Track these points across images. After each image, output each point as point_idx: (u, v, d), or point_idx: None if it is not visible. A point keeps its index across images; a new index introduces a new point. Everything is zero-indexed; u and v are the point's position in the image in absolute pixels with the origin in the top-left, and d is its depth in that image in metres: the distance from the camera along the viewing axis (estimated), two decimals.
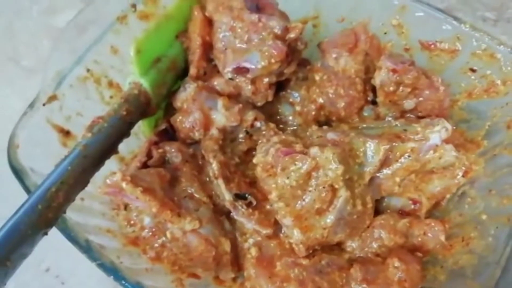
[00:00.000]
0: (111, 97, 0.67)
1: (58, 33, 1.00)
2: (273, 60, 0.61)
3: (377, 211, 0.62)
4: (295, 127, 0.70)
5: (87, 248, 0.50)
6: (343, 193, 0.55)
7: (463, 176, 0.61)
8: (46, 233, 0.45)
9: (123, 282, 0.48)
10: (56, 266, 0.72)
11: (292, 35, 0.61)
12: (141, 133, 0.70)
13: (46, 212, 0.44)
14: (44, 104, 0.58)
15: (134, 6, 0.65)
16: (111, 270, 0.49)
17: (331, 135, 0.59)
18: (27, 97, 0.88)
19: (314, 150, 0.54)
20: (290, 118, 0.71)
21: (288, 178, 0.54)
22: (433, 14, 0.67)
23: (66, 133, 0.61)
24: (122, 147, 0.60)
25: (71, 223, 0.52)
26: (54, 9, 1.06)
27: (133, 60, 0.59)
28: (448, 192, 0.62)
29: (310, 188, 0.55)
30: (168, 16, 0.64)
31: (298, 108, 0.71)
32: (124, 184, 0.50)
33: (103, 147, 0.52)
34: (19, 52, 0.99)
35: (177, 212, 0.54)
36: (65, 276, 0.71)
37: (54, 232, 0.49)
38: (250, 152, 0.67)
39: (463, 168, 0.61)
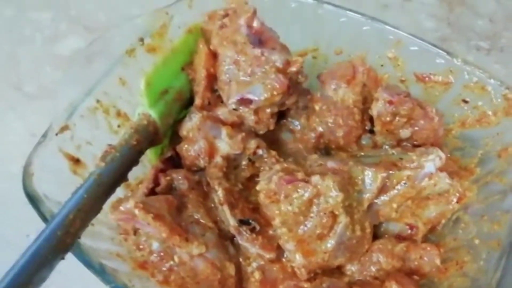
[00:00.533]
0: (118, 126, 0.71)
1: (61, 60, 1.05)
2: (275, 93, 0.65)
3: (376, 236, 0.65)
4: (295, 155, 0.74)
5: (101, 271, 0.53)
6: (343, 219, 0.59)
7: (457, 202, 0.65)
8: (63, 258, 0.49)
9: None
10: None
11: (293, 68, 0.66)
12: (146, 160, 0.73)
13: (64, 238, 0.48)
14: (57, 134, 0.62)
15: (142, 40, 0.69)
16: None
17: (331, 164, 0.63)
18: (30, 123, 0.94)
19: (315, 178, 0.58)
20: (291, 145, 0.76)
21: (291, 205, 0.58)
22: (427, 48, 0.72)
23: (76, 161, 0.65)
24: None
25: (85, 247, 0.55)
26: (56, 37, 1.10)
27: (142, 93, 0.63)
28: (443, 217, 0.66)
29: (312, 214, 0.59)
30: (175, 49, 0.68)
31: (298, 135, 0.75)
32: (136, 211, 0.54)
33: (115, 175, 0.56)
34: (22, 79, 1.02)
35: (185, 237, 0.57)
36: None
37: None
38: (252, 178, 0.70)
39: (457, 194, 0.65)
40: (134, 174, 0.70)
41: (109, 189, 0.55)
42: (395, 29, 0.74)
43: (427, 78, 0.74)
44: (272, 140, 0.75)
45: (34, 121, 0.94)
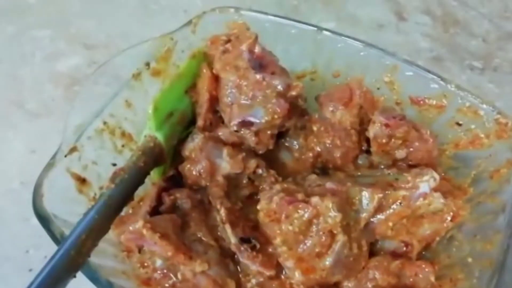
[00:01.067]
0: (122, 145, 0.74)
1: (61, 77, 1.07)
2: (276, 116, 0.69)
3: (372, 253, 0.68)
4: (294, 174, 0.77)
5: None
6: (340, 238, 0.62)
7: (451, 220, 0.68)
8: (75, 276, 0.52)
9: None
10: None
11: (293, 93, 0.70)
12: (147, 178, 0.77)
13: (77, 258, 0.51)
14: (66, 156, 0.66)
15: (148, 64, 0.73)
16: None
17: (329, 185, 0.66)
18: (30, 140, 0.96)
19: (315, 200, 0.62)
20: (289, 164, 0.79)
21: (291, 225, 0.62)
22: (422, 74, 0.76)
23: (83, 181, 0.68)
24: None
25: (94, 265, 0.58)
26: (56, 55, 1.13)
27: (150, 117, 0.67)
28: (437, 235, 0.69)
29: (311, 234, 0.62)
30: (180, 74, 0.72)
31: (296, 155, 0.79)
32: (145, 231, 0.58)
33: (124, 196, 0.60)
34: (22, 97, 1.04)
35: (189, 256, 0.61)
36: None
37: None
38: (251, 196, 0.74)
39: (451, 213, 0.68)
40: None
41: (118, 209, 0.59)
42: (391, 55, 0.78)
43: (421, 102, 0.77)
44: (271, 159, 0.78)
45: (34, 138, 0.97)
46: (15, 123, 1.00)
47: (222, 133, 0.74)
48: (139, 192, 0.74)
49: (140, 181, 0.63)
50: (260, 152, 0.75)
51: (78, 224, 0.53)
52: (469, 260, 0.63)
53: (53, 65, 1.11)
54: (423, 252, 0.70)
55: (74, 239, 0.51)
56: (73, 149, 0.66)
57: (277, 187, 0.67)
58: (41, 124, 1.00)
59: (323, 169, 0.78)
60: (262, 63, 0.73)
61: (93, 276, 0.57)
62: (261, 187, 0.73)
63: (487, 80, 1.08)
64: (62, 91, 1.05)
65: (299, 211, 0.62)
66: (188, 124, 0.76)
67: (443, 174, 0.74)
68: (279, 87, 0.69)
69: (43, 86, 1.07)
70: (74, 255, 0.51)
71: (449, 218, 0.68)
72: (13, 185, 0.63)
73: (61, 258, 0.50)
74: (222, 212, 0.66)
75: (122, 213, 0.66)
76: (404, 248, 0.69)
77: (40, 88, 1.06)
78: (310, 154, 0.77)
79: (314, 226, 0.62)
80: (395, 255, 0.69)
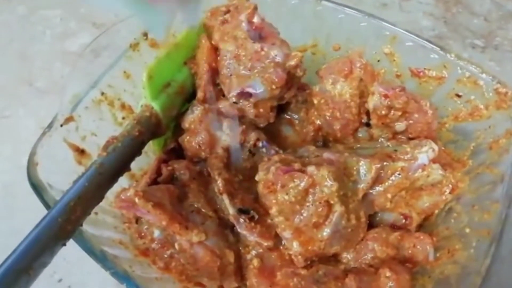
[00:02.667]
0: (123, 118, 0.70)
1: (70, 56, 1.04)
2: (274, 86, 0.65)
3: (371, 225, 0.65)
4: (294, 147, 0.73)
5: (102, 258, 0.52)
6: (338, 208, 0.58)
7: (450, 193, 0.64)
8: (64, 244, 0.48)
9: None
10: (68, 277, 0.74)
11: (291, 62, 0.65)
12: (151, 151, 0.73)
13: (65, 225, 0.47)
14: (61, 125, 0.62)
15: (145, 34, 0.68)
16: (124, 278, 0.51)
17: (327, 155, 0.62)
18: (40, 117, 0.93)
19: (311, 169, 0.57)
20: (291, 138, 0.75)
21: (287, 194, 0.58)
22: (422, 44, 0.71)
23: (81, 152, 0.64)
24: (133, 164, 0.63)
25: (87, 235, 0.54)
26: (66, 33, 1.10)
27: (145, 85, 0.62)
28: (436, 207, 0.65)
29: (308, 204, 0.58)
30: (177, 44, 0.67)
31: (297, 129, 0.75)
32: (136, 199, 0.53)
33: (117, 165, 0.55)
34: (33, 75, 1.02)
35: (185, 225, 0.57)
36: (77, 287, 0.73)
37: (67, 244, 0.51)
38: (253, 170, 0.69)
39: (450, 185, 0.64)
40: (139, 165, 0.70)
41: (111, 179, 0.55)
42: (392, 26, 0.73)
43: (421, 73, 0.72)
44: (272, 133, 0.74)
45: (44, 115, 0.93)
46: (25, 101, 0.98)
47: (222, 105, 0.70)
48: (144, 165, 0.71)
49: (136, 151, 0.59)
50: (261, 125, 0.72)
51: (67, 191, 0.49)
52: (467, 230, 0.59)
53: (63, 44, 1.08)
54: (423, 224, 0.67)
55: (61, 206, 0.47)
56: (69, 119, 0.62)
57: (275, 158, 0.63)
58: (51, 102, 0.96)
59: (324, 142, 0.75)
60: (261, 35, 0.69)
61: (85, 246, 0.54)
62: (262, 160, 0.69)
63: (488, 58, 1.03)
64: (71, 69, 1.01)
65: (295, 180, 0.58)
66: (189, 98, 0.71)
67: (442, 147, 0.70)
68: (278, 58, 0.65)
69: (53, 64, 1.04)
70: (62, 222, 0.47)
71: (448, 191, 0.65)
72: (24, 162, 0.60)
73: (47, 225, 0.46)
74: (220, 182, 0.63)
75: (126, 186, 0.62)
76: (403, 221, 0.66)
77: (50, 67, 1.04)
78: (311, 128, 0.74)
79: (310, 196, 0.58)
80: (394, 227, 0.66)
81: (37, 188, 0.56)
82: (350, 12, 0.75)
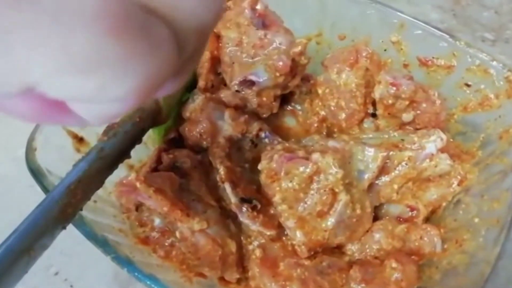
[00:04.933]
0: None
1: None
2: (277, 74, 0.66)
3: (376, 218, 0.65)
4: (298, 138, 0.74)
5: (103, 243, 0.53)
6: (343, 197, 0.59)
7: (458, 185, 0.65)
8: (64, 227, 0.49)
9: (137, 274, 0.51)
10: (64, 270, 0.74)
11: (296, 49, 0.66)
12: (150, 143, 0.73)
13: (65, 208, 0.48)
14: None
15: None
16: (126, 263, 0.52)
17: (332, 143, 0.63)
18: None
19: (315, 156, 0.58)
20: (294, 129, 0.76)
21: (291, 181, 0.58)
22: (430, 32, 0.72)
23: (80, 140, 0.65)
24: (132, 155, 0.63)
25: (88, 220, 0.55)
26: None
27: None
28: (444, 200, 0.66)
29: (312, 192, 0.59)
30: None
31: (301, 120, 0.76)
32: (138, 184, 0.54)
33: (117, 150, 0.56)
34: None
35: (186, 213, 0.57)
36: (74, 280, 0.74)
37: (62, 237, 0.51)
38: (255, 161, 0.70)
39: (458, 177, 0.65)
40: (139, 156, 0.71)
41: (111, 164, 0.55)
42: (399, 12, 0.73)
43: (430, 62, 0.73)
44: (275, 124, 0.75)
45: None
46: None
47: (224, 95, 0.71)
48: (143, 157, 0.72)
49: (136, 138, 0.60)
50: (264, 116, 0.73)
51: (67, 174, 0.50)
52: (476, 220, 0.60)
53: None
54: (430, 218, 0.67)
55: (62, 188, 0.48)
56: None
57: (278, 146, 0.64)
58: None
59: (328, 134, 0.75)
60: (265, 22, 0.70)
61: (85, 230, 0.55)
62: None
63: (498, 51, 1.03)
64: None
65: (299, 167, 0.58)
66: (190, 87, 0.72)
67: (451, 139, 0.71)
68: (281, 44, 0.66)
69: None
70: (62, 205, 0.47)
71: (456, 182, 0.65)
72: (18, 153, 0.61)
73: (47, 206, 0.47)
74: (221, 170, 0.63)
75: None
76: (410, 213, 0.66)
77: None
78: (315, 118, 0.75)
79: (314, 184, 0.59)
80: (400, 220, 0.66)
81: (36, 173, 0.57)
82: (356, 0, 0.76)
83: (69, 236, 0.53)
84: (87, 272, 0.74)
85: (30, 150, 0.58)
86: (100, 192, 0.56)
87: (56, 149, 0.63)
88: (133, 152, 0.63)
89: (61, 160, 0.61)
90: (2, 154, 0.88)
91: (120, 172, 0.61)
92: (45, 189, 0.56)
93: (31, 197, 0.56)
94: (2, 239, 0.44)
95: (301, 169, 0.58)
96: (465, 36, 1.06)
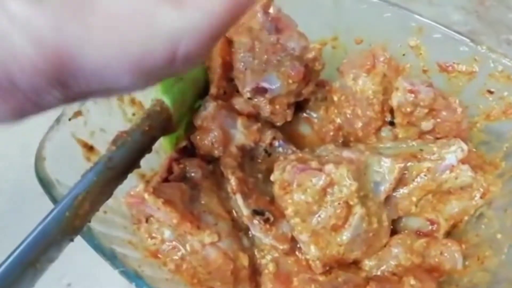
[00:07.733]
0: (133, 114, 0.72)
1: None
2: (290, 81, 0.66)
3: (394, 231, 0.66)
4: (313, 147, 0.75)
5: (111, 256, 0.54)
6: (358, 210, 0.59)
7: (480, 197, 0.64)
8: (72, 240, 0.50)
9: None
10: (76, 282, 0.76)
11: (309, 55, 0.66)
12: (162, 151, 0.74)
13: (73, 219, 0.49)
14: (70, 119, 0.64)
15: None
16: (134, 277, 0.53)
17: (346, 153, 0.63)
18: (50, 114, 0.95)
19: (329, 167, 0.59)
20: (309, 138, 0.76)
21: (303, 194, 0.59)
22: (450, 36, 0.71)
23: (90, 148, 0.66)
24: (143, 164, 0.63)
25: (96, 232, 0.56)
26: None
27: None
28: (466, 214, 0.65)
29: (326, 204, 0.59)
30: None
31: (316, 128, 0.76)
32: (146, 195, 0.55)
33: (126, 160, 0.57)
34: None
35: (196, 225, 0.58)
36: None
37: (75, 248, 0.52)
38: (269, 171, 0.70)
39: (481, 189, 0.65)
40: (150, 165, 0.72)
41: (120, 174, 0.56)
42: (418, 16, 0.73)
43: (450, 68, 0.73)
44: (290, 133, 0.76)
45: (54, 112, 0.95)
46: None
47: (236, 102, 0.72)
48: (155, 166, 0.73)
49: (146, 147, 0.61)
50: (278, 124, 0.73)
51: (75, 185, 0.51)
52: (498, 236, 0.60)
53: None
54: (451, 232, 0.67)
55: (69, 200, 0.49)
56: (77, 113, 0.65)
57: (292, 157, 0.64)
58: None
59: (344, 143, 0.75)
60: (278, 26, 0.70)
61: (94, 243, 0.55)
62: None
63: None
64: None
65: (312, 179, 0.59)
66: (202, 94, 0.73)
67: (474, 149, 0.70)
68: (294, 50, 0.66)
69: None
70: (70, 217, 0.48)
71: (478, 195, 0.65)
72: (31, 161, 0.62)
73: (54, 219, 0.48)
74: (233, 181, 0.64)
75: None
76: (430, 227, 0.66)
77: None
78: (331, 127, 0.75)
79: (328, 196, 0.59)
80: (419, 234, 0.67)
81: (45, 183, 0.58)
82: (373, 2, 0.75)
83: (82, 246, 0.54)
84: (98, 283, 0.75)
85: (39, 159, 0.59)
86: (110, 202, 0.57)
87: (66, 158, 0.64)
88: (144, 161, 0.63)
89: (72, 170, 0.62)
90: (18, 161, 0.88)
91: (132, 182, 0.63)
92: (54, 199, 0.57)
93: (45, 206, 0.57)
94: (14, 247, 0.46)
95: (314, 180, 0.58)
96: (489, 39, 1.06)
